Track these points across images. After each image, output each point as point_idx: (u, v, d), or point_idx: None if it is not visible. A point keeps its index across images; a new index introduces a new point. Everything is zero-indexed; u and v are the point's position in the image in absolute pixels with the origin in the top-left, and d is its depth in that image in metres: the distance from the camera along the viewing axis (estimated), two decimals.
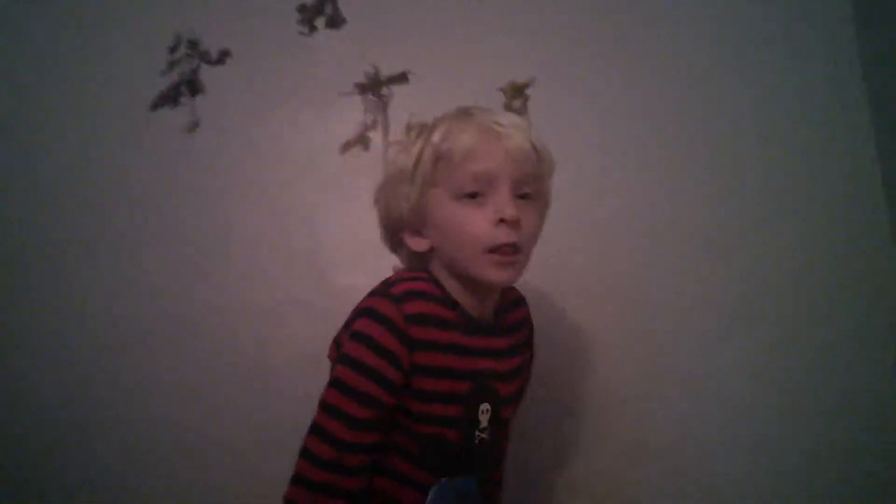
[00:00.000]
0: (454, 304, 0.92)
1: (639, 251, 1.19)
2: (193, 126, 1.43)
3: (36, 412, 1.47)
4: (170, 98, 1.45)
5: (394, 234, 0.98)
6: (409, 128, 1.04)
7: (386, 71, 1.41)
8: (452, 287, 0.94)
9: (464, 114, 0.94)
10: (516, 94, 1.37)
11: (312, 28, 1.44)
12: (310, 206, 1.36)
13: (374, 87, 1.41)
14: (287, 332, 1.32)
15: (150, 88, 1.46)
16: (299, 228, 1.35)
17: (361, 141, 1.40)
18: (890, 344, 1.01)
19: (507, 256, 0.89)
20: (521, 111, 1.35)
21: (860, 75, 1.07)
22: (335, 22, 1.44)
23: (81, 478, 1.44)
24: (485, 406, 0.92)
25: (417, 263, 0.98)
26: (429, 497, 0.89)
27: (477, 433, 0.92)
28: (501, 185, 0.89)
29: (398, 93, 1.40)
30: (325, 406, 0.86)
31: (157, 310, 1.39)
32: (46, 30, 1.55)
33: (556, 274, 1.18)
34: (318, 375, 1.22)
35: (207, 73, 1.45)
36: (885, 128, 1.07)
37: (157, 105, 1.45)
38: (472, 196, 0.90)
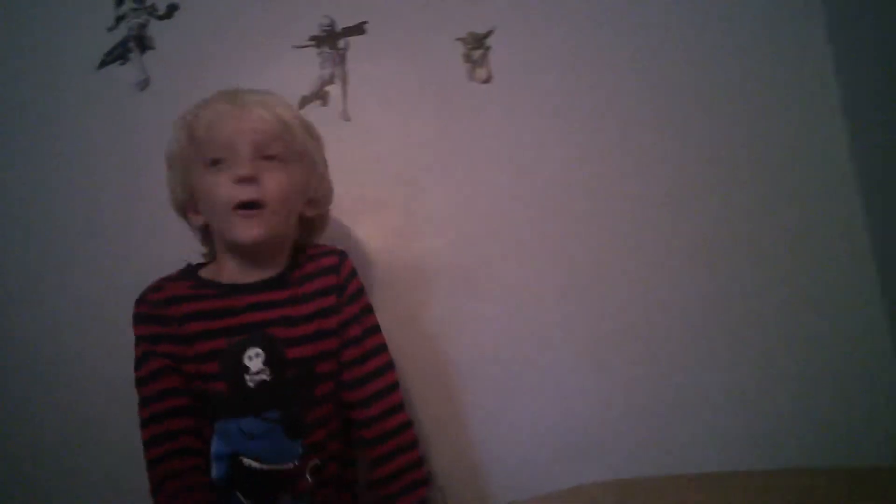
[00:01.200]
0: (195, 275, 1.07)
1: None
2: (144, 84, 1.39)
3: None
4: (119, 55, 1.39)
5: (184, 216, 1.11)
6: (175, 121, 1.10)
7: (342, 22, 1.38)
8: (228, 258, 1.06)
9: (217, 94, 1.06)
10: (476, 45, 1.35)
11: None
12: None
13: (330, 39, 1.38)
14: None
15: (98, 46, 1.39)
16: None
17: (319, 96, 1.37)
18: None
19: (249, 212, 0.99)
20: (481, 62, 1.34)
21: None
22: None
23: None
24: (253, 351, 1.00)
25: (205, 239, 1.12)
26: (212, 443, 0.99)
27: (248, 377, 0.99)
28: (240, 150, 1.00)
29: (355, 45, 1.38)
30: None
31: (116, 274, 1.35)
32: None
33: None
34: None
35: (157, 28, 1.40)
36: (861, 129, 1.16)
37: (105, 63, 1.40)
38: (217, 163, 1.01)
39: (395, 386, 1.09)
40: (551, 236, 1.28)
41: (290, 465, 0.99)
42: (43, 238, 1.39)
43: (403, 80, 1.36)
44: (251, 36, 1.39)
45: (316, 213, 1.14)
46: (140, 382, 1.02)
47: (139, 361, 1.03)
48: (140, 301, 1.05)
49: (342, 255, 1.11)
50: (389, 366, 1.09)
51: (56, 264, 1.38)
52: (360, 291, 1.11)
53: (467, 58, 1.35)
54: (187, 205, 1.09)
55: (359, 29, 1.38)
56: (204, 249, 1.14)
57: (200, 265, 1.12)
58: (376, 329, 1.10)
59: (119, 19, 1.40)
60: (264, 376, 0.99)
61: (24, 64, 1.42)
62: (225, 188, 1.00)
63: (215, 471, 0.99)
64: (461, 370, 1.26)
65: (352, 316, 1.07)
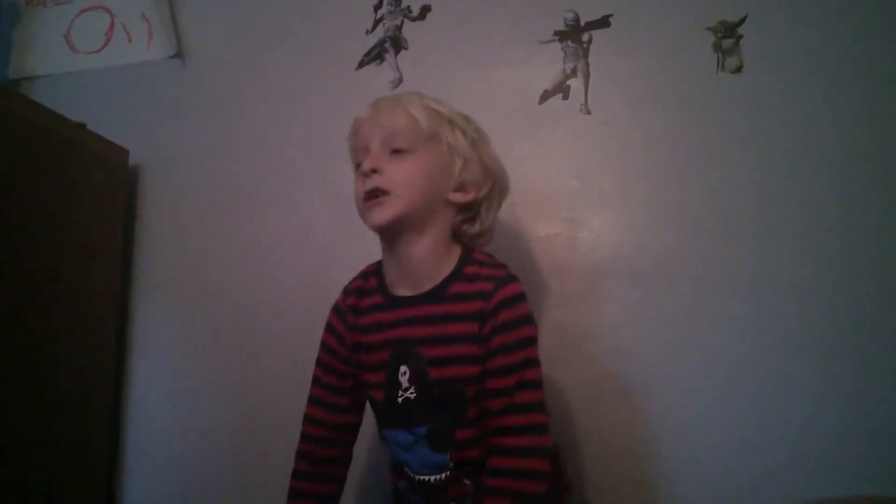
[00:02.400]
0: (378, 277, 1.09)
1: None
2: (397, 82, 1.48)
3: None
4: (375, 55, 1.49)
5: None
6: None
7: (586, 16, 1.39)
8: (388, 262, 1.08)
9: (377, 24, 1.14)
10: (727, 34, 1.31)
11: None
12: (509, 157, 1.37)
13: (574, 33, 1.39)
14: None
15: (358, 48, 1.50)
16: None
17: (560, 89, 1.39)
18: None
19: (373, 200, 1.01)
20: (732, 52, 1.30)
21: None
22: None
23: None
24: (404, 368, 1.02)
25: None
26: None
27: (400, 392, 1.02)
28: (370, 149, 1.04)
29: (599, 38, 1.38)
30: None
31: None
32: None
33: None
34: None
35: (410, 29, 1.48)
36: None
37: (363, 63, 1.50)
38: (359, 167, 1.05)
39: (537, 427, 0.98)
40: (800, 233, 1.22)
41: (442, 477, 1.03)
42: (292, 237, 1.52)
43: (647, 72, 1.35)
44: (497, 33, 1.44)
45: (468, 199, 1.08)
46: (316, 362, 1.12)
47: (322, 345, 1.12)
48: (341, 295, 1.12)
49: (501, 280, 1.02)
50: (535, 405, 0.99)
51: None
52: (516, 322, 1.00)
53: (717, 47, 1.32)
54: None
55: (603, 22, 1.38)
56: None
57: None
58: (528, 363, 0.99)
59: (377, 22, 1.49)
60: (410, 394, 1.02)
61: (294, 65, 1.55)
62: (359, 185, 1.04)
63: (398, 472, 1.07)
64: (694, 370, 1.24)
65: (499, 347, 0.99)
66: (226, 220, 1.55)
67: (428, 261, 1.04)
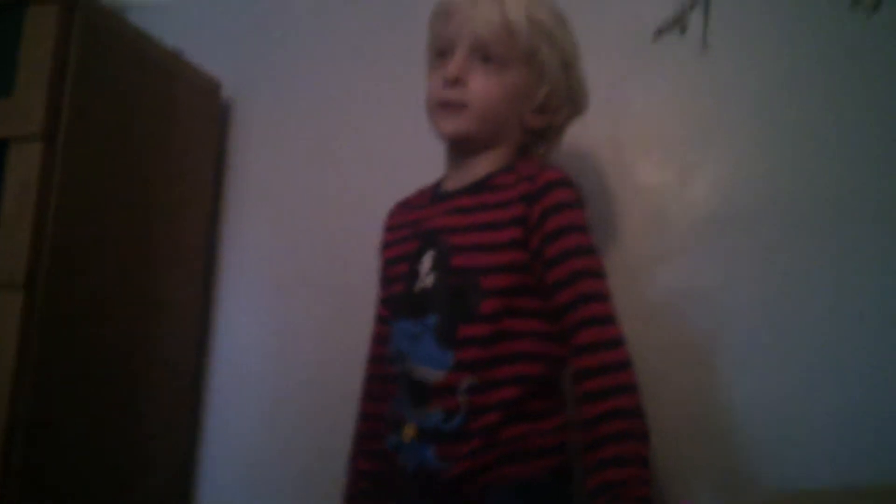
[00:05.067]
0: (435, 185, 1.09)
1: None
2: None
3: None
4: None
5: None
6: None
7: None
8: (446, 155, 1.07)
9: None
10: None
11: None
12: (618, 95, 1.30)
13: None
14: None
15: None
16: (603, 115, 1.29)
17: (678, 23, 1.30)
18: None
19: (450, 109, 0.99)
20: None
21: None
22: None
23: None
24: (427, 255, 0.99)
25: None
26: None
27: (418, 282, 0.99)
28: (457, 48, 0.99)
29: None
30: None
31: None
32: None
33: None
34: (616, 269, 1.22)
35: None
36: None
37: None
38: (439, 57, 1.02)
39: (607, 319, 0.92)
40: None
41: (439, 376, 0.93)
42: None
43: (773, 7, 1.25)
44: None
45: (543, 123, 1.06)
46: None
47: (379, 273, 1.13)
48: (389, 211, 1.15)
49: (546, 166, 1.00)
50: (598, 296, 0.93)
51: None
52: (563, 205, 0.95)
53: None
54: None
55: None
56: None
57: None
58: (584, 250, 0.95)
59: None
60: (427, 282, 0.98)
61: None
62: (435, 86, 1.01)
63: (394, 368, 1.01)
64: (804, 333, 1.16)
65: (548, 232, 0.94)
66: (315, 156, 1.52)
67: (479, 158, 1.03)
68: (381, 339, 1.11)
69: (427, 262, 0.99)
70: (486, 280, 0.94)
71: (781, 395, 1.14)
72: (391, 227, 1.12)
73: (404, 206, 1.13)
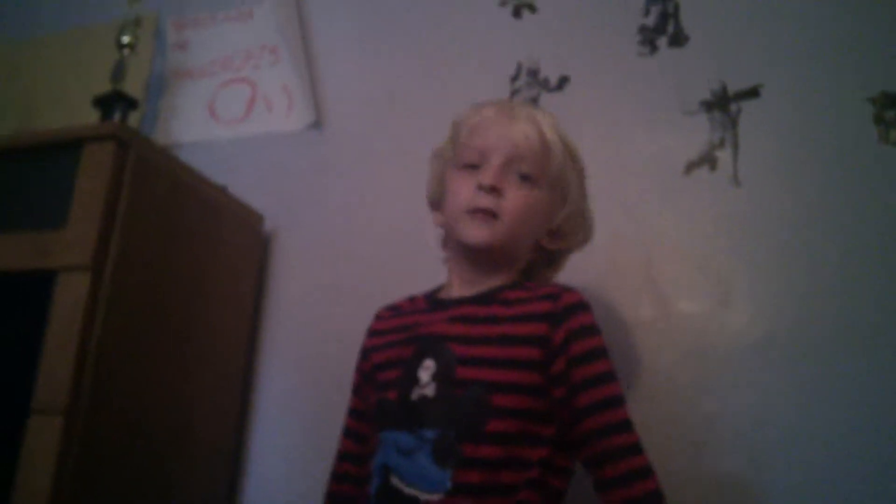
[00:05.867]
0: (429, 293, 1.07)
1: None
2: None
3: None
4: None
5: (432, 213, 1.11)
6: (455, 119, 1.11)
7: (734, 86, 1.35)
8: (454, 261, 1.06)
9: (492, 102, 1.08)
10: (889, 105, 1.24)
11: (654, 48, 1.42)
12: (651, 226, 1.32)
13: (722, 103, 1.35)
14: (629, 353, 1.27)
15: None
16: (638, 248, 1.31)
17: (707, 160, 1.34)
18: None
19: (482, 217, 0.97)
20: (895, 124, 1.23)
21: None
22: (678, 40, 1.41)
23: None
24: (427, 362, 0.94)
25: (444, 243, 1.11)
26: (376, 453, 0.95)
27: (416, 389, 0.93)
28: (493, 160, 0.99)
29: (748, 109, 1.34)
30: None
31: None
32: (389, 65, 1.66)
33: None
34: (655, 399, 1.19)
35: (547, 100, 1.47)
36: None
37: None
38: (470, 167, 1.01)
39: (635, 448, 0.90)
40: None
41: (433, 498, 0.86)
42: None
43: (801, 143, 1.29)
44: (637, 105, 1.40)
45: (557, 246, 1.08)
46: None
47: (356, 367, 1.10)
48: (376, 314, 1.12)
49: (566, 287, 0.99)
50: (626, 425, 0.91)
51: None
52: (587, 330, 0.94)
53: (878, 119, 1.25)
54: (437, 201, 1.10)
55: (753, 92, 1.33)
56: (443, 254, 1.12)
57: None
58: (608, 377, 0.93)
59: (513, 94, 1.49)
60: (428, 391, 0.92)
61: (428, 135, 1.55)
62: (466, 191, 1.00)
63: (372, 485, 0.93)
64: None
65: (575, 356, 0.92)
66: (351, 288, 1.53)
67: (492, 272, 1.02)
68: (348, 433, 1.08)
69: (427, 369, 0.94)
70: (498, 398, 0.89)
71: None
72: (378, 330, 1.08)
73: (393, 311, 1.10)
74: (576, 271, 1.25)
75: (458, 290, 1.04)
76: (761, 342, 1.21)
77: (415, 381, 0.94)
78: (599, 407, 0.91)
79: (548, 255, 1.09)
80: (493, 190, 0.98)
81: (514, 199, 0.99)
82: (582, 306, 0.96)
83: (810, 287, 1.22)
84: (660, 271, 1.31)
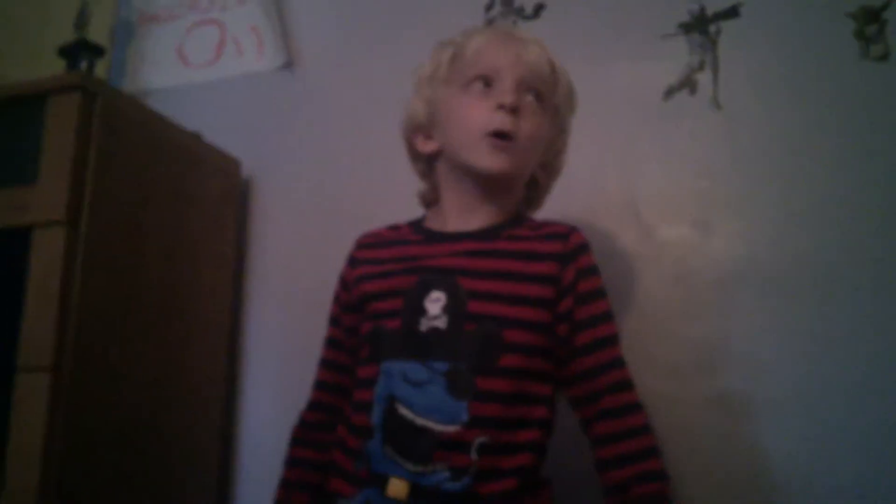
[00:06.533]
0: (413, 223, 1.04)
1: None
2: None
3: None
4: None
5: (410, 143, 1.05)
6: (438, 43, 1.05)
7: (713, 7, 1.32)
8: (450, 190, 1.00)
9: (484, 27, 1.04)
10: (870, 20, 1.22)
11: None
12: (632, 153, 1.31)
13: (701, 25, 1.32)
14: (614, 280, 1.27)
15: None
16: (617, 176, 1.31)
17: (687, 84, 1.32)
18: None
19: (501, 142, 0.92)
20: (876, 38, 1.20)
21: None
22: None
23: None
24: (436, 294, 0.91)
25: (428, 174, 1.05)
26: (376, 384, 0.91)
27: (424, 320, 0.91)
28: (507, 80, 0.94)
29: (728, 29, 1.31)
30: None
31: None
32: (357, 5, 1.62)
33: None
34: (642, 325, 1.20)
35: (523, 28, 1.43)
36: None
37: None
38: (479, 87, 0.95)
39: (628, 384, 0.93)
40: None
41: (450, 429, 0.85)
42: None
43: (783, 63, 1.26)
44: (616, 29, 1.38)
45: (546, 181, 1.06)
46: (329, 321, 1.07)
47: (334, 297, 1.07)
48: (356, 240, 1.08)
49: (573, 227, 0.98)
50: (620, 362, 0.94)
51: None
52: (593, 270, 0.96)
53: (859, 34, 1.22)
54: (419, 130, 1.03)
55: (732, 12, 1.30)
56: (423, 185, 1.08)
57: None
58: (608, 316, 0.95)
59: (488, 23, 1.45)
60: (439, 323, 0.91)
61: (403, 70, 1.52)
62: (480, 112, 0.94)
63: (374, 415, 0.90)
64: (828, 384, 1.14)
65: (589, 293, 0.94)
66: (334, 230, 1.52)
67: (494, 201, 1.00)
68: (325, 363, 1.07)
69: (437, 301, 0.92)
70: (510, 333, 0.90)
71: (809, 449, 1.12)
72: (366, 259, 1.03)
73: (378, 239, 1.06)
74: (560, 207, 1.24)
75: (454, 221, 1.00)
76: (743, 267, 1.22)
77: (421, 311, 0.92)
78: (598, 345, 0.93)
79: (532, 189, 1.06)
80: (514, 110, 0.94)
81: (528, 121, 0.95)
82: (587, 247, 0.97)
83: (793, 210, 1.21)
84: (642, 198, 1.30)
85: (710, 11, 1.32)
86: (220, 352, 1.46)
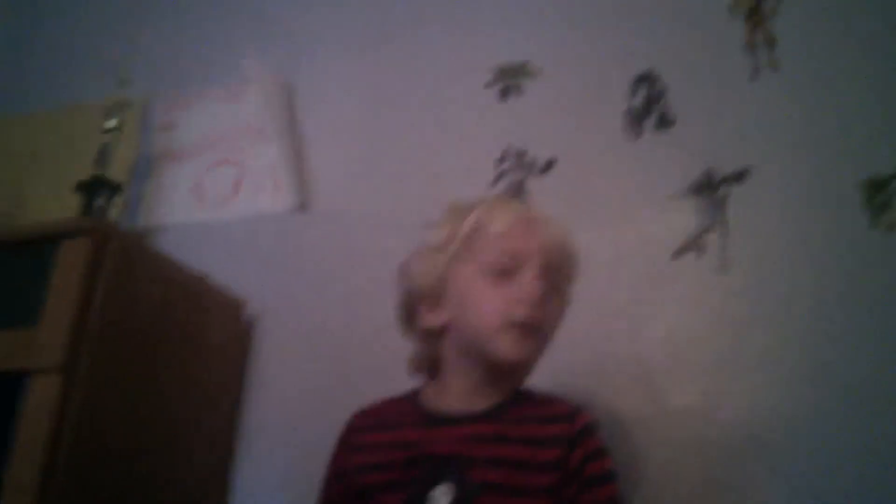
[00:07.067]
0: (412, 400, 0.99)
1: None
2: None
3: None
4: None
5: (410, 310, 1.02)
6: (450, 208, 1.03)
7: (721, 171, 1.33)
8: (457, 370, 0.96)
9: (504, 199, 1.03)
10: (877, 189, 1.23)
11: (640, 131, 1.41)
12: (639, 314, 1.29)
13: (709, 188, 1.33)
14: (624, 450, 1.23)
15: None
16: (625, 336, 1.29)
17: (695, 246, 1.31)
18: None
19: (524, 332, 0.90)
20: (885, 208, 1.21)
21: None
22: (664, 123, 1.40)
23: None
24: (443, 489, 0.87)
25: (428, 345, 1.01)
26: None
27: None
28: (528, 269, 0.92)
29: (736, 193, 1.32)
30: None
31: None
32: (376, 149, 1.65)
33: None
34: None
35: (533, 183, 1.45)
36: None
37: None
38: (501, 274, 0.93)
39: None
40: None
41: None
42: None
43: (790, 228, 1.26)
44: (624, 188, 1.39)
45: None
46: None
47: (323, 482, 1.01)
48: (349, 421, 1.03)
49: (578, 408, 0.95)
50: None
51: None
52: (600, 453, 0.93)
53: (870, 203, 1.23)
54: (425, 301, 1.00)
55: (741, 176, 1.32)
56: (418, 353, 1.05)
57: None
58: (618, 501, 0.92)
59: (499, 177, 1.47)
60: None
61: (414, 219, 1.53)
62: (499, 301, 0.92)
63: None
64: None
65: (587, 479, 0.90)
66: (336, 375, 1.50)
67: (497, 394, 0.96)
68: None
69: (444, 496, 0.87)
70: None
71: None
72: (363, 445, 0.98)
73: (374, 421, 1.01)
74: (565, 366, 1.22)
75: (459, 403, 0.96)
76: (756, 434, 1.17)
77: None
78: None
79: None
80: (541, 304, 0.93)
81: (553, 311, 0.96)
82: (594, 427, 0.94)
83: (803, 376, 1.18)
84: (653, 363, 1.27)
85: (718, 174, 1.33)
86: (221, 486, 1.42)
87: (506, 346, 0.92)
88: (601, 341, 1.29)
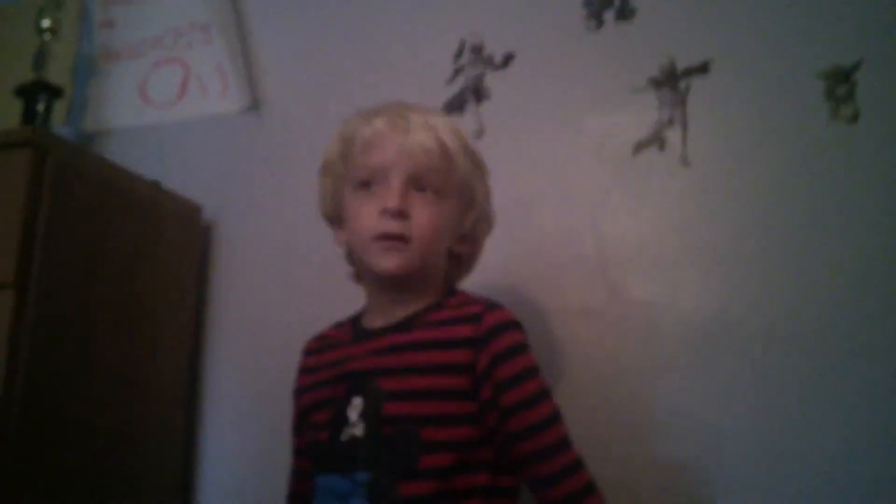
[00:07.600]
0: (353, 320, 1.02)
1: None
2: (479, 133, 1.40)
3: None
4: (456, 106, 1.43)
5: (332, 227, 1.04)
6: (345, 120, 1.01)
7: (683, 63, 1.30)
8: (368, 286, 1.00)
9: (383, 108, 0.97)
10: (839, 80, 1.21)
11: (600, 23, 1.36)
12: (600, 209, 1.29)
13: (671, 80, 1.30)
14: (576, 340, 1.25)
15: (437, 98, 1.43)
16: (587, 233, 1.29)
17: (656, 140, 1.30)
18: None
19: (391, 243, 0.90)
20: (846, 99, 1.19)
21: None
22: (625, 14, 1.35)
23: None
24: (356, 400, 0.89)
25: (350, 264, 1.04)
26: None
27: (346, 430, 0.89)
28: (393, 178, 0.92)
29: (698, 86, 1.29)
30: None
31: None
32: (329, 45, 1.59)
33: None
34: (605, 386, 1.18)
35: (492, 78, 1.41)
36: None
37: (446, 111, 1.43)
38: (366, 186, 0.94)
39: (576, 466, 0.89)
40: None
41: None
42: None
43: (752, 121, 1.25)
44: (586, 81, 1.36)
45: (467, 251, 1.03)
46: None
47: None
48: (304, 348, 1.07)
49: (490, 305, 0.93)
50: (563, 444, 0.89)
51: None
52: (515, 350, 0.90)
53: (829, 94, 1.21)
54: (335, 218, 1.03)
55: (702, 68, 1.29)
56: (351, 268, 1.06)
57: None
58: (538, 397, 0.89)
59: (457, 72, 1.43)
60: (357, 431, 0.88)
61: None
62: (369, 217, 0.92)
63: None
64: (803, 461, 1.12)
65: (509, 379, 0.88)
66: (298, 278, 1.49)
67: (413, 292, 0.96)
68: (294, 472, 1.06)
69: (356, 408, 0.89)
70: (428, 431, 0.85)
71: None
72: (308, 368, 1.03)
73: (322, 343, 1.04)
74: (525, 259, 1.22)
75: (377, 317, 0.98)
76: (713, 327, 1.20)
77: (345, 420, 0.90)
78: (532, 431, 0.88)
79: (458, 258, 1.03)
80: (400, 214, 0.91)
81: (423, 217, 0.93)
82: (505, 325, 0.91)
83: (762, 270, 1.20)
84: (610, 256, 1.28)
85: (680, 67, 1.30)
86: (180, 400, 1.42)
87: (376, 259, 0.92)
88: (561, 236, 1.29)
